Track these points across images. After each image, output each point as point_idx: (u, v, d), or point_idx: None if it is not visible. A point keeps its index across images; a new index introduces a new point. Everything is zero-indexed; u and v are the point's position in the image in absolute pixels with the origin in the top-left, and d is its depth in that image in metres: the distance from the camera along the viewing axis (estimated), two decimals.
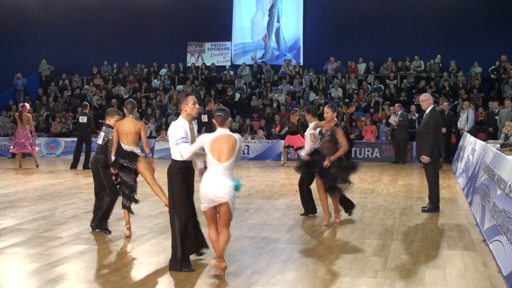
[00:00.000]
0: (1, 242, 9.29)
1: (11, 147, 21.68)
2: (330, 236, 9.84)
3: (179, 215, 7.58)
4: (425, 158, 11.98)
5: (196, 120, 8.07)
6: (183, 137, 7.38)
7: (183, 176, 7.58)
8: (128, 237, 9.54)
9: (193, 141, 7.51)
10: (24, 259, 8.26)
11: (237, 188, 7.33)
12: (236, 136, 7.24)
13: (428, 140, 11.97)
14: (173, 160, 7.60)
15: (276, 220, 11.11)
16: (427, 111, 12.22)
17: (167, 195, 8.03)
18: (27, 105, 21.57)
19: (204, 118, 18.24)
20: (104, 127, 10.12)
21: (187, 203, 7.70)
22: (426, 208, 12.27)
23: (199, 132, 19.16)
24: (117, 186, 9.85)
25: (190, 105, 7.48)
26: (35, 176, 18.51)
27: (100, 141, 10.05)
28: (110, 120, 10.11)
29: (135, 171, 9.68)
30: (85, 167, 19.47)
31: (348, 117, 21.00)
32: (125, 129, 9.63)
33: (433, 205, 12.21)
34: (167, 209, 9.47)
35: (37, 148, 21.86)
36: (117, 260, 8.22)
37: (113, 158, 9.68)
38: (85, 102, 23.09)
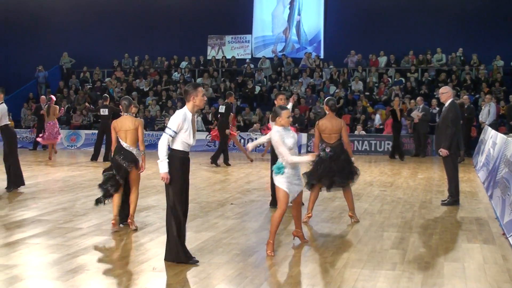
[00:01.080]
0: (22, 232, 9.39)
1: (40, 136, 21.77)
2: (348, 228, 9.83)
3: (177, 210, 7.61)
4: (443, 151, 11.93)
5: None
6: (173, 130, 7.43)
7: (182, 167, 7.58)
8: (134, 230, 9.59)
9: (193, 133, 7.57)
10: (45, 249, 8.33)
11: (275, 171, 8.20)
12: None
13: (447, 133, 11.92)
14: (172, 149, 7.56)
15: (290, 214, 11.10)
16: (446, 104, 12.18)
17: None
18: (54, 97, 21.83)
19: (222, 109, 19.00)
20: None
21: (185, 198, 7.75)
22: (445, 202, 12.23)
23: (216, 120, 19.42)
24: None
25: (199, 97, 7.51)
26: (56, 168, 18.65)
27: None
28: (132, 109, 10.14)
29: (127, 173, 9.64)
30: (105, 159, 19.57)
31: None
32: (123, 126, 9.64)
33: (453, 199, 12.16)
34: (130, 222, 9.68)
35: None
36: (136, 252, 8.28)
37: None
38: (106, 95, 23.15)
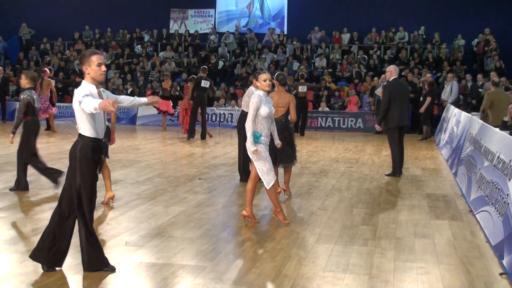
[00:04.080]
0: None
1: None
2: (318, 204, 9.87)
3: (84, 209, 6.06)
4: (376, 126, 13.26)
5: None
6: (86, 94, 5.78)
7: (93, 157, 6.05)
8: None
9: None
10: (11, 223, 8.20)
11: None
12: None
13: (380, 109, 13.17)
14: (80, 135, 6.03)
15: (263, 188, 11.11)
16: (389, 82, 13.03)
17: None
18: (48, 70, 21.35)
19: (206, 84, 19.33)
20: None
21: (95, 196, 6.24)
22: (389, 173, 13.03)
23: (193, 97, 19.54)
24: None
25: (93, 67, 6.02)
26: (16, 141, 18.29)
27: None
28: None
29: None
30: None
31: None
32: None
33: (393, 170, 12.99)
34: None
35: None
36: (108, 226, 8.19)
37: None
38: (50, 67, 23.21)
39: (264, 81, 8.26)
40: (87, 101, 5.69)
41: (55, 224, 6.15)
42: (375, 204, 10.00)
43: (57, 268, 6.21)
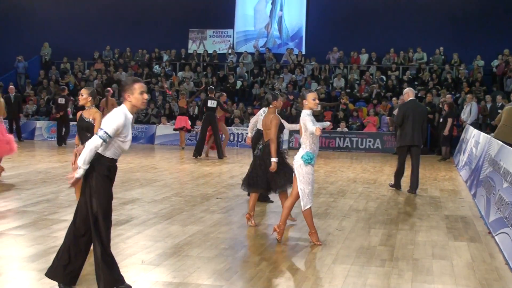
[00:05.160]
0: (6, 224, 9.27)
1: None
2: (335, 224, 9.82)
3: (100, 227, 6.01)
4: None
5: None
6: (109, 135, 5.84)
7: (110, 175, 6.06)
8: None
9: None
10: (30, 241, 8.23)
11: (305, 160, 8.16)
12: None
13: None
14: (98, 154, 5.95)
15: (280, 208, 11.08)
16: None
17: None
18: (111, 90, 22.49)
19: (213, 103, 19.65)
20: None
21: (111, 213, 6.17)
22: (392, 184, 14.02)
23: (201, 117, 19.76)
24: None
25: (136, 95, 6.03)
26: (37, 159, 18.46)
27: None
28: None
29: None
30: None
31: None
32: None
33: (395, 183, 13.94)
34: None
35: None
36: (124, 244, 8.20)
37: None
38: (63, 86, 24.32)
39: (314, 99, 8.29)
40: (89, 156, 5.83)
41: (69, 242, 6.15)
42: (393, 225, 9.94)
43: (73, 286, 6.22)
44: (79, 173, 5.88)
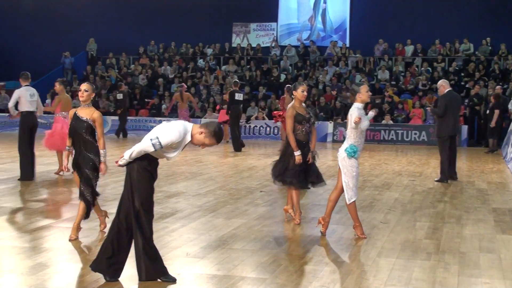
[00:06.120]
0: (54, 217, 9.42)
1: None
2: (380, 217, 9.75)
3: (142, 220, 6.14)
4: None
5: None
6: (161, 145, 5.95)
7: (149, 168, 6.15)
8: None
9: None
10: (80, 233, 8.33)
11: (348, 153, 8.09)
12: None
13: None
14: None
15: (324, 201, 11.01)
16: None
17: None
18: (184, 86, 23.36)
19: (240, 96, 20.04)
20: None
21: (153, 206, 6.29)
22: (437, 179, 13.76)
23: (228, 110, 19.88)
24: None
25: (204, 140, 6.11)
26: None
27: None
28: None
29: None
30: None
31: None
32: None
33: (441, 177, 13.67)
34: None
35: None
36: (169, 237, 8.25)
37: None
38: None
39: (367, 91, 8.22)
40: (137, 156, 6.00)
41: (113, 235, 6.22)
42: (439, 218, 9.81)
43: (117, 279, 6.29)
44: (122, 162, 6.08)
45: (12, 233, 8.39)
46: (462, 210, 10.55)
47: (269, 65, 30.27)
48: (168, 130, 5.96)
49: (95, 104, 23.48)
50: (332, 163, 16.40)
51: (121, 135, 25.12)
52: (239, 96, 19.80)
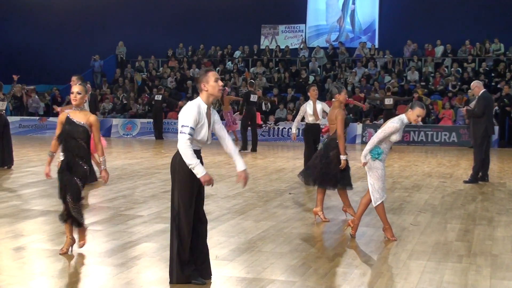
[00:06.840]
0: (85, 220, 9.47)
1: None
2: (410, 220, 9.67)
3: (180, 222, 6.16)
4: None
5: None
6: (191, 127, 5.96)
7: (190, 171, 6.05)
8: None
9: (209, 130, 6.20)
10: (107, 236, 8.39)
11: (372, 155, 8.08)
12: None
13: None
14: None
15: (354, 203, 10.96)
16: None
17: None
18: (227, 89, 23.85)
19: (254, 98, 20.19)
20: None
21: (192, 210, 6.25)
22: (467, 180, 13.59)
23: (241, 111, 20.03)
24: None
25: (211, 83, 6.10)
26: (113, 156, 18.82)
27: None
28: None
29: None
30: None
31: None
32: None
33: (472, 177, 13.54)
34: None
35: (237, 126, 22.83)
36: None
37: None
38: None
39: (418, 116, 8.16)
40: (189, 152, 5.95)
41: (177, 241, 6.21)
42: (470, 219, 9.71)
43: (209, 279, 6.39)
44: (197, 170, 6.01)
45: (42, 236, 8.46)
46: (493, 211, 10.43)
47: (297, 66, 30.25)
48: (184, 114, 6.02)
49: (124, 107, 23.79)
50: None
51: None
52: (253, 98, 19.90)
